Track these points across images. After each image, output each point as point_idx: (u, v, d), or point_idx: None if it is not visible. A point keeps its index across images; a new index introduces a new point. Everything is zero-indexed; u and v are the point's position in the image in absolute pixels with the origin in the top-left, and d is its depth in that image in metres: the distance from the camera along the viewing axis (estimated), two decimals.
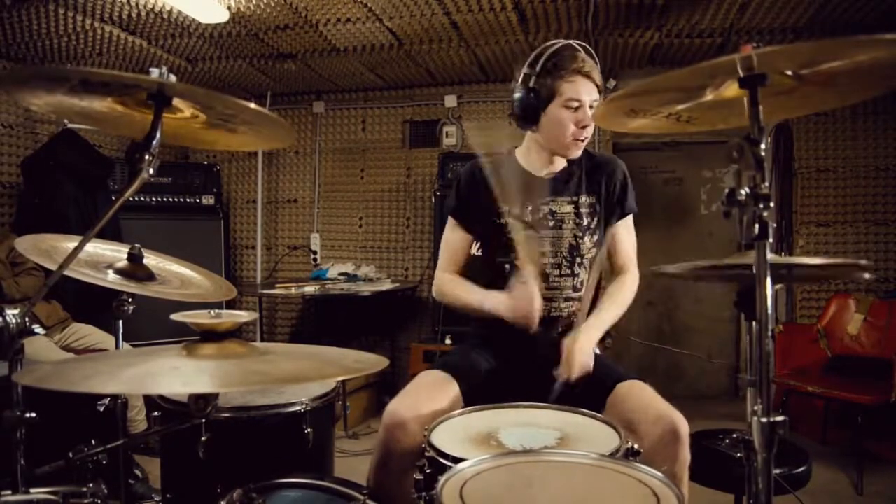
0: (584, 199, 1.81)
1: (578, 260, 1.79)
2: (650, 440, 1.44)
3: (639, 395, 1.57)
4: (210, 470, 1.52)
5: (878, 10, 3.13)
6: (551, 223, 1.79)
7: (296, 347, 1.31)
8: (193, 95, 1.10)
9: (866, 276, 1.08)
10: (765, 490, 0.90)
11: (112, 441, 1.28)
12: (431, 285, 1.89)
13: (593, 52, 1.75)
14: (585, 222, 1.80)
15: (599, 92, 1.71)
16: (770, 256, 0.91)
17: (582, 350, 1.63)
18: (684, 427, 1.46)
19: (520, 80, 1.75)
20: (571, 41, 1.75)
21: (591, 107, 1.70)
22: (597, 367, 1.77)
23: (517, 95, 1.75)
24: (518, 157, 1.87)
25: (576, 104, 1.69)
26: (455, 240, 1.88)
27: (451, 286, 1.86)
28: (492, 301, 1.72)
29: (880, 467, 3.09)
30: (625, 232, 1.87)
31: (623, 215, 1.86)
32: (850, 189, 4.12)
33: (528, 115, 1.75)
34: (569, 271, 1.79)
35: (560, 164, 1.82)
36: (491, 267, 1.85)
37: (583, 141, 1.74)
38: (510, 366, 1.78)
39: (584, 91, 1.69)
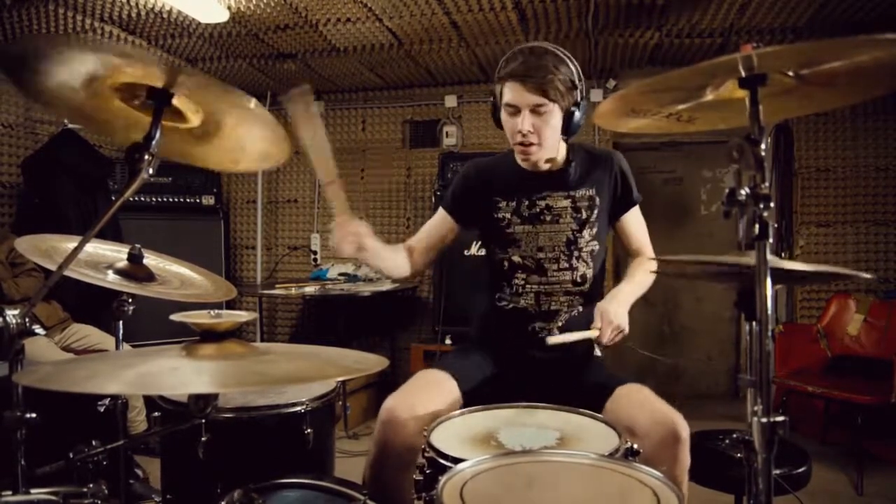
0: (581, 192, 1.80)
1: (576, 254, 1.79)
2: (650, 443, 1.44)
3: (638, 398, 1.57)
4: (210, 470, 1.52)
5: (878, 10, 3.13)
6: (548, 218, 1.79)
7: (296, 347, 1.31)
8: (194, 84, 1.08)
9: (866, 275, 1.08)
10: (765, 490, 0.90)
11: (112, 441, 1.28)
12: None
13: (560, 54, 1.66)
14: (584, 216, 1.80)
15: (545, 95, 1.62)
16: (770, 258, 0.91)
17: (615, 312, 1.63)
18: (685, 429, 1.46)
19: None
20: (537, 43, 1.69)
21: (536, 112, 1.64)
22: (595, 371, 1.77)
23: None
24: (516, 156, 1.87)
25: (511, 109, 1.67)
26: (433, 220, 1.91)
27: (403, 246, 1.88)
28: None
29: (880, 467, 3.09)
30: (635, 221, 1.88)
31: (629, 206, 1.86)
32: (851, 189, 4.12)
33: (495, 119, 1.78)
34: (567, 265, 1.79)
35: (554, 160, 1.82)
36: (491, 263, 1.86)
37: (527, 146, 1.68)
38: (509, 366, 1.78)
39: (518, 96, 1.63)
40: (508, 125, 1.70)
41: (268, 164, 1.34)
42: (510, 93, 1.65)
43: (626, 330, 1.64)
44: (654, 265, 1.84)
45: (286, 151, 1.27)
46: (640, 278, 1.81)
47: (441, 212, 1.89)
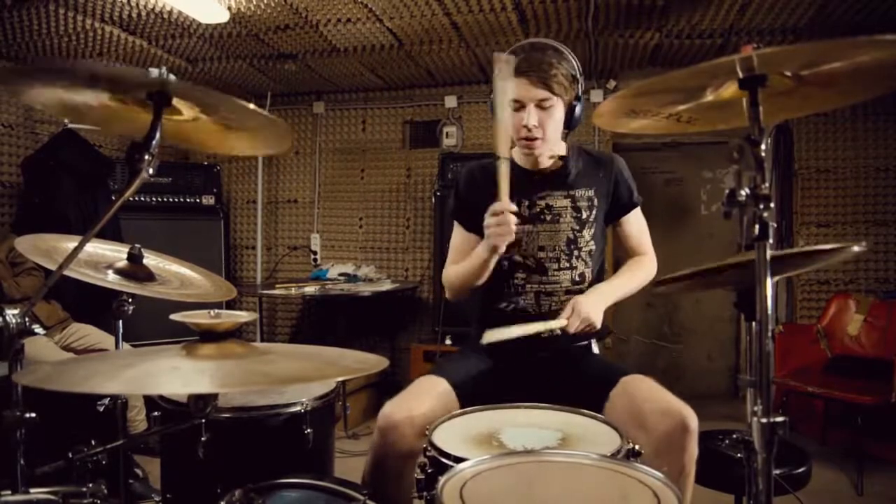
0: (581, 192, 1.81)
1: (576, 253, 1.80)
2: (658, 433, 1.44)
3: (644, 389, 1.57)
4: (210, 470, 1.52)
5: (879, 10, 3.13)
6: (548, 217, 1.79)
7: (296, 348, 1.31)
8: (192, 94, 1.09)
9: (856, 248, 1.08)
10: (765, 490, 0.90)
11: (112, 441, 1.28)
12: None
13: (562, 50, 1.69)
14: (584, 216, 1.80)
15: (549, 90, 1.64)
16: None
17: (587, 303, 1.64)
18: (693, 420, 1.46)
19: None
20: (536, 39, 1.73)
21: (541, 107, 1.66)
22: (597, 364, 1.78)
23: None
24: (514, 155, 1.88)
25: (516, 105, 1.67)
26: (459, 241, 1.89)
27: (453, 270, 1.86)
28: (481, 246, 1.68)
29: (880, 467, 3.09)
30: (635, 223, 1.89)
31: (629, 209, 1.87)
32: (851, 189, 4.12)
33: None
34: (567, 264, 1.79)
35: (554, 160, 1.82)
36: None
37: (531, 141, 1.70)
38: (509, 366, 1.78)
39: (524, 91, 1.65)
40: (513, 121, 1.70)
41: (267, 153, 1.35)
42: (515, 88, 1.66)
43: (597, 325, 1.65)
44: (654, 263, 1.86)
45: (286, 144, 1.27)
46: (625, 278, 1.82)
47: (459, 230, 1.88)
